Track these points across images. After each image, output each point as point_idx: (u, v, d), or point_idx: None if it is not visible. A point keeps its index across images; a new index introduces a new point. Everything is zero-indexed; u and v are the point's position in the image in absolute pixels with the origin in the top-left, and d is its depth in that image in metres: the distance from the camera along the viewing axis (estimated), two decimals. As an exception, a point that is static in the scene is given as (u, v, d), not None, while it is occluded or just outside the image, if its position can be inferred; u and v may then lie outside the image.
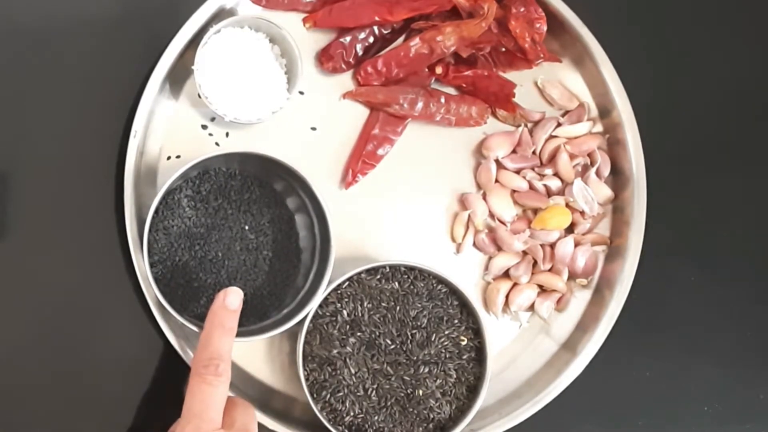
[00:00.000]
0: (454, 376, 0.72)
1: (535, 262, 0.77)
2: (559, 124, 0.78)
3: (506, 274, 0.77)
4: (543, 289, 0.77)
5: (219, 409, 0.62)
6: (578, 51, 0.78)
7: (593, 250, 0.78)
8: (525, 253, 0.77)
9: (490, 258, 0.77)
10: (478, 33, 0.73)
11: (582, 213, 0.77)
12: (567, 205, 0.77)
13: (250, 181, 0.72)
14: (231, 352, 0.64)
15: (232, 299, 0.64)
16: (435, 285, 0.73)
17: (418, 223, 0.76)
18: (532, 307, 0.77)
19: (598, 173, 0.78)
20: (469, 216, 0.76)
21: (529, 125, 0.78)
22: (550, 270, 0.77)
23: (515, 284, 0.77)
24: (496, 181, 0.77)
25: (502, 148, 0.77)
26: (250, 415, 0.65)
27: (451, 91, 0.77)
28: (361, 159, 0.74)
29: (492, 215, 0.77)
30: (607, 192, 0.78)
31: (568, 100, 0.79)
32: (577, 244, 0.77)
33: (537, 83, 0.78)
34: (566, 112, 0.79)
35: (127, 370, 0.71)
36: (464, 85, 0.76)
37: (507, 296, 0.77)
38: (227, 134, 0.73)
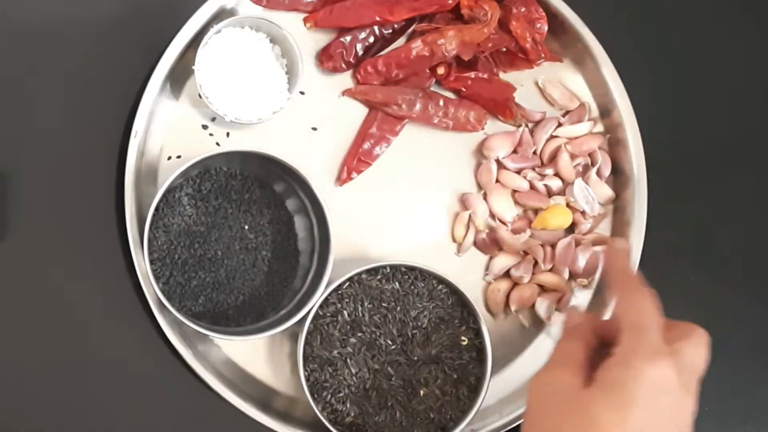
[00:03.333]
0: (455, 376, 0.72)
1: (536, 262, 0.77)
2: (559, 124, 0.78)
3: (507, 274, 0.77)
4: (544, 289, 0.77)
5: (659, 325, 0.58)
6: (579, 51, 0.78)
7: (594, 250, 0.78)
8: (526, 253, 0.77)
9: (491, 258, 0.77)
10: (480, 38, 0.73)
11: (583, 213, 0.77)
12: (568, 205, 0.77)
13: (251, 181, 0.72)
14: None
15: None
16: (435, 285, 0.73)
17: (418, 224, 0.76)
18: (532, 307, 0.77)
19: (598, 173, 0.78)
20: (470, 216, 0.76)
21: (530, 125, 0.78)
22: (550, 270, 0.77)
23: (516, 284, 0.77)
24: (497, 181, 0.77)
25: (502, 148, 0.77)
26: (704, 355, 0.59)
27: (451, 95, 0.77)
28: (356, 157, 0.74)
29: (492, 215, 0.77)
30: (608, 192, 0.78)
31: (569, 100, 0.78)
32: (577, 244, 0.77)
33: (538, 83, 0.78)
34: (567, 112, 0.79)
35: (127, 368, 0.71)
36: (464, 89, 0.76)
37: (507, 296, 0.77)
38: (228, 134, 0.73)
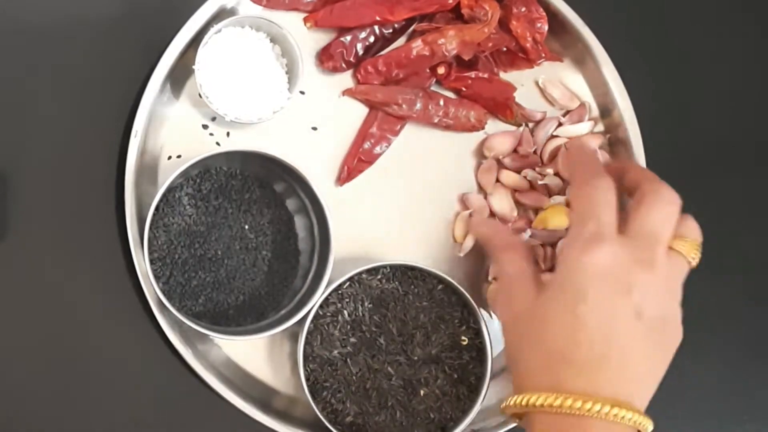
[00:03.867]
0: (455, 375, 0.72)
1: (536, 262, 0.77)
2: (560, 124, 0.78)
3: None
4: None
5: (610, 211, 0.56)
6: (579, 51, 0.78)
7: None
8: None
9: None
10: (481, 38, 0.73)
11: None
12: (568, 205, 0.77)
13: (251, 181, 0.72)
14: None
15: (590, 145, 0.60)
16: (436, 285, 0.73)
17: (418, 223, 0.76)
18: None
19: None
20: (471, 215, 0.76)
21: (531, 125, 0.78)
22: (550, 270, 0.77)
23: None
24: (497, 180, 0.77)
25: (503, 147, 0.76)
26: (662, 215, 0.56)
27: (451, 94, 0.77)
28: (357, 157, 0.74)
29: (493, 214, 0.77)
30: None
31: (569, 100, 0.78)
32: None
33: (538, 83, 0.78)
34: (567, 112, 0.79)
35: (127, 368, 0.71)
36: (464, 89, 0.76)
37: None
38: (228, 134, 0.73)
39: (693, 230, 0.60)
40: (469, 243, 0.76)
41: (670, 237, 0.59)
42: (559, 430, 0.54)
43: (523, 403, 0.55)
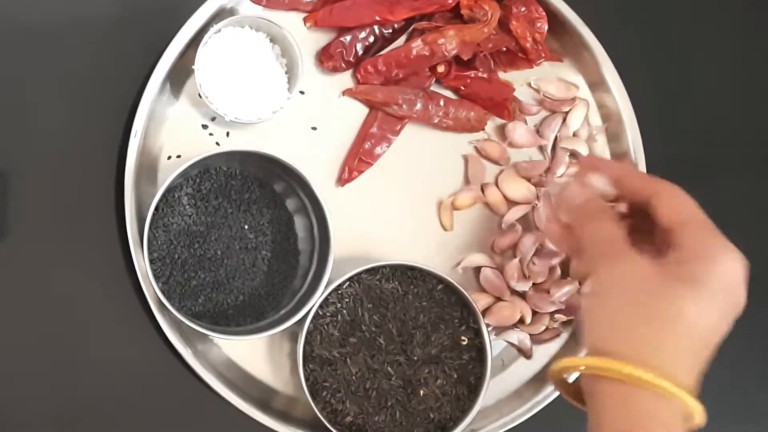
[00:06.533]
0: (455, 375, 0.72)
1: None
2: (564, 120, 0.78)
3: (485, 291, 0.76)
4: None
5: None
6: (579, 50, 0.78)
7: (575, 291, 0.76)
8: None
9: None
10: (480, 38, 0.73)
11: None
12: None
13: (251, 181, 0.72)
14: None
15: None
16: (435, 285, 0.73)
17: (418, 223, 0.76)
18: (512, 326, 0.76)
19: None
20: (452, 202, 0.76)
21: (537, 123, 0.78)
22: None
23: (498, 299, 0.76)
24: (496, 184, 0.77)
25: (521, 139, 0.77)
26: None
27: (451, 94, 0.77)
28: (357, 157, 0.74)
29: (506, 198, 0.77)
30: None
31: (566, 91, 0.78)
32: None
33: (530, 85, 0.78)
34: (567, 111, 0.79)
35: (127, 368, 0.71)
36: (463, 88, 0.76)
37: (487, 310, 0.76)
38: (228, 134, 0.73)
39: None
40: (468, 263, 0.76)
41: None
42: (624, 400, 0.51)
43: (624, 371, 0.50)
